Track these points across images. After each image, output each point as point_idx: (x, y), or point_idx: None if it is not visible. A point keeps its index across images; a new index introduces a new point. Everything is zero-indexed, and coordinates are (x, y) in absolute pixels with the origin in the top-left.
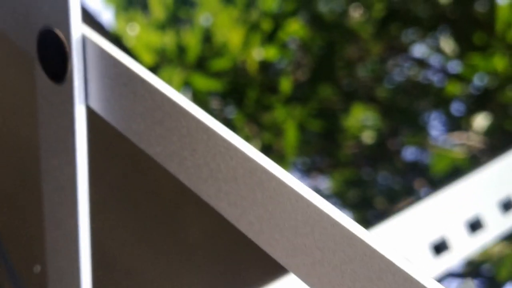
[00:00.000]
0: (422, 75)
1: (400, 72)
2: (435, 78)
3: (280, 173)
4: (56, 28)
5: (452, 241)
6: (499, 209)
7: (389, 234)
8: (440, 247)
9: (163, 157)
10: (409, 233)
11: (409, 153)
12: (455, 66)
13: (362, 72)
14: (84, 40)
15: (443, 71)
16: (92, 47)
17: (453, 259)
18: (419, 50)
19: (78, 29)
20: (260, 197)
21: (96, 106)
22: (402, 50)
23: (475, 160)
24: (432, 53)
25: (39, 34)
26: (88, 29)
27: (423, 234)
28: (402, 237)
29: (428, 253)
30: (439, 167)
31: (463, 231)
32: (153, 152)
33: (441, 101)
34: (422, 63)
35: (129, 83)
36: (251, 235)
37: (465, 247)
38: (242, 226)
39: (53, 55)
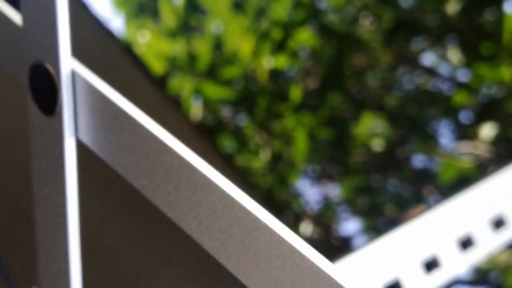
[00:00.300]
0: (431, 84)
1: (409, 80)
2: (443, 87)
3: (256, 209)
4: (46, 62)
5: (443, 259)
6: (490, 227)
7: (380, 251)
8: (431, 265)
9: (148, 190)
10: (401, 250)
11: (418, 161)
12: (463, 75)
13: (371, 80)
14: (73, 74)
15: (452, 80)
16: (80, 82)
17: (444, 277)
18: (428, 59)
19: (67, 64)
20: (237, 232)
21: (85, 139)
22: (411, 59)
23: (482, 169)
24: (441, 62)
25: (30, 68)
26: (77, 64)
27: (414, 251)
28: (393, 254)
29: (420, 271)
30: (447, 175)
31: (455, 248)
32: (139, 184)
33: (450, 110)
34: (430, 72)
35: (116, 118)
36: (229, 266)
37: (456, 265)
38: (221, 258)
39: (44, 88)
